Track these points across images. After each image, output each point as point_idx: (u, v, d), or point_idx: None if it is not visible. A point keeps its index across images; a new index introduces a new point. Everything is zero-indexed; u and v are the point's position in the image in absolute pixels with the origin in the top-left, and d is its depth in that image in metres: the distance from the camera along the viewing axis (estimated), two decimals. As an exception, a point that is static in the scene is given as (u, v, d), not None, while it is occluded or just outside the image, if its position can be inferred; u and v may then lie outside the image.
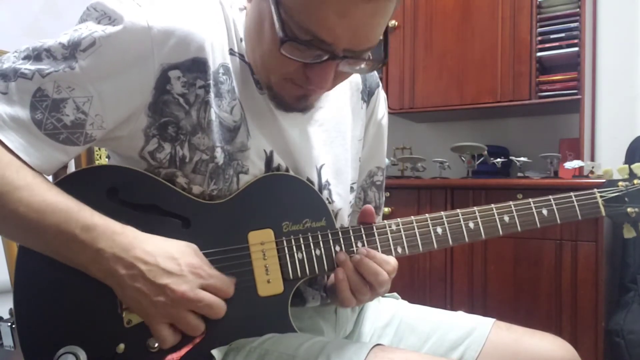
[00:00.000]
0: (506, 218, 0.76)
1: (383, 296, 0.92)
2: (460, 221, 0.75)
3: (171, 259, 0.61)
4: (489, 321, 0.82)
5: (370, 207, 0.76)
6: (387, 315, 0.87)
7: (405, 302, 0.91)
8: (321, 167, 0.78)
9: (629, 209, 0.80)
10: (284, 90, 0.68)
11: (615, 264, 1.95)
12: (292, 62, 0.63)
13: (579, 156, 1.87)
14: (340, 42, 0.60)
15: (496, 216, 0.76)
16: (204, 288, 0.62)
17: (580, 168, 1.81)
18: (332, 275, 0.73)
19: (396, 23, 2.17)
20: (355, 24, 0.59)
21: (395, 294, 0.93)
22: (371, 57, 0.65)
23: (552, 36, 1.92)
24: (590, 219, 1.64)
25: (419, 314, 0.86)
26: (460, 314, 0.86)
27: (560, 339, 0.81)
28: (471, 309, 1.78)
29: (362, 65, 0.66)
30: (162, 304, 0.60)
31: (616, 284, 1.92)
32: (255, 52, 0.69)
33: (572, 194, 0.79)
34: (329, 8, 0.57)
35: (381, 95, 0.91)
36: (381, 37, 0.64)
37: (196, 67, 0.66)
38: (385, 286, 0.72)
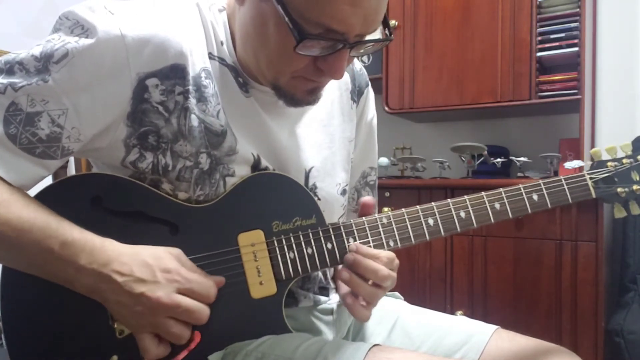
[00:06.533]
0: (497, 205, 0.76)
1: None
2: (451, 211, 0.75)
3: (145, 266, 0.60)
4: (489, 329, 0.79)
5: (368, 198, 0.76)
6: (381, 312, 0.85)
7: (405, 303, 0.89)
8: (310, 170, 0.77)
9: (619, 189, 0.79)
10: (294, 88, 0.67)
11: (615, 264, 1.94)
12: (304, 58, 0.62)
13: (579, 156, 1.87)
14: (353, 29, 0.60)
15: (487, 204, 0.76)
16: (182, 293, 0.61)
17: (580, 168, 1.80)
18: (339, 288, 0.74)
19: (396, 23, 2.17)
20: (367, 11, 0.59)
21: (396, 293, 0.92)
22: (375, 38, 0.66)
23: (552, 36, 1.91)
24: (590, 219, 1.67)
25: (415, 317, 0.84)
26: (462, 318, 0.84)
27: (571, 353, 0.76)
28: (471, 309, 1.78)
29: (370, 46, 0.66)
30: (141, 313, 0.60)
31: (616, 284, 1.92)
32: (258, 55, 0.66)
33: (561, 177, 0.78)
34: (340, 0, 0.57)
35: (370, 94, 0.90)
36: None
37: (174, 73, 0.65)
38: (390, 280, 0.71)
